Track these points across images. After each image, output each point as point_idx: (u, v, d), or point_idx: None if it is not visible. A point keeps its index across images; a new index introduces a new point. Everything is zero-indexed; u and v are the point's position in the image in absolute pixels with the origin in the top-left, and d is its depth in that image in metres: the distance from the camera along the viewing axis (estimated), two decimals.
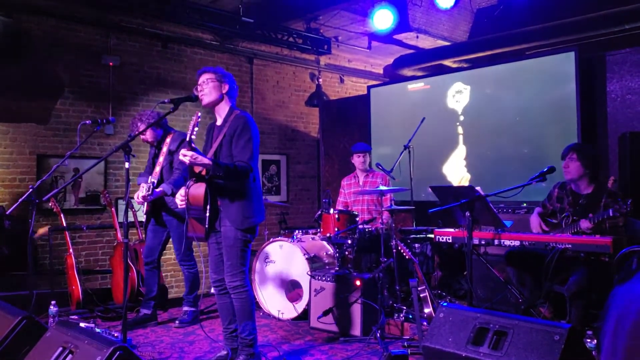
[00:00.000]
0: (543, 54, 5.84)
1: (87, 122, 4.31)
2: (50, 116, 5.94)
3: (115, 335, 3.98)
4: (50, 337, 2.92)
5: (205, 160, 3.24)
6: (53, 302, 4.27)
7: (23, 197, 4.34)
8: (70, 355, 2.71)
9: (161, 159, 4.67)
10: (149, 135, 4.66)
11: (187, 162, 3.23)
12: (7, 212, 4.76)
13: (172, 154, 4.65)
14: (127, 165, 3.26)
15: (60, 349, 2.76)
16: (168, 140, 4.69)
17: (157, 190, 4.51)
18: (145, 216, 4.70)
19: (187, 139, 3.31)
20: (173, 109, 3.40)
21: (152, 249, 4.79)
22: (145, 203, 4.57)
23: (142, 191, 4.51)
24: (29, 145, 5.79)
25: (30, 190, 4.28)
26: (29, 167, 5.78)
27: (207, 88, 3.48)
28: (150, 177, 4.58)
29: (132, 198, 4.65)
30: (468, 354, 2.76)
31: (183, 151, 3.24)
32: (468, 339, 2.81)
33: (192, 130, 3.32)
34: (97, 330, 3.96)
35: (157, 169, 4.62)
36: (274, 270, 5.09)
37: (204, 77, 3.50)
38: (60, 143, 5.97)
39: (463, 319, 2.91)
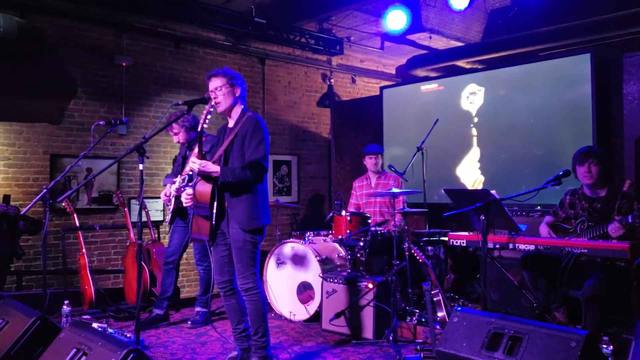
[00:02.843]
0: (558, 56, 5.77)
1: (101, 123, 4.34)
2: (64, 116, 5.98)
3: (128, 335, 4.00)
4: (64, 338, 2.93)
5: (214, 169, 3.25)
6: (66, 301, 4.30)
7: (37, 198, 4.38)
8: (84, 357, 2.73)
9: (192, 159, 4.72)
10: (181, 136, 4.75)
11: (196, 170, 3.25)
12: (22, 212, 4.79)
13: (204, 155, 4.70)
14: (141, 166, 3.26)
15: (74, 350, 2.77)
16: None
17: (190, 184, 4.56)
18: (170, 214, 4.72)
19: (199, 128, 3.37)
20: (187, 111, 3.42)
21: (175, 249, 4.80)
22: (172, 201, 4.60)
23: (174, 185, 4.52)
24: (42, 145, 5.83)
25: (45, 190, 4.32)
26: (43, 167, 5.82)
27: (220, 95, 3.46)
28: (181, 175, 4.63)
29: (158, 197, 4.65)
30: (482, 359, 2.74)
31: (192, 159, 3.26)
32: (482, 344, 2.78)
33: (205, 119, 3.35)
34: (110, 330, 4.00)
35: (188, 167, 4.68)
36: (286, 271, 5.09)
37: (215, 84, 3.47)
38: (73, 143, 6.01)
39: (477, 323, 2.88)
